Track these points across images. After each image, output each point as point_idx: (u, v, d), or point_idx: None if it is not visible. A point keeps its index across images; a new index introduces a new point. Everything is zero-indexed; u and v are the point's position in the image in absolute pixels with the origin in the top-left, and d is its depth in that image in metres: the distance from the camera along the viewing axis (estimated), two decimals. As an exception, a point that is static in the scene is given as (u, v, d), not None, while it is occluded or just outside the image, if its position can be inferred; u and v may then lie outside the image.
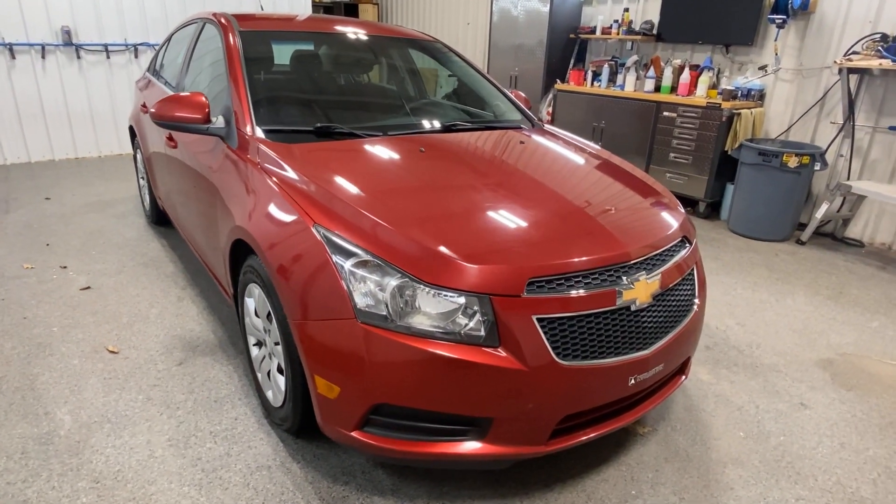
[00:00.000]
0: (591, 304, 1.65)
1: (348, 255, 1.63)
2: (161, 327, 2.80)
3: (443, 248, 1.60)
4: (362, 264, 1.61)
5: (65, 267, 3.44)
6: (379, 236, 1.65)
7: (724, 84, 4.84)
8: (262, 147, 2.12)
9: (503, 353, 1.57)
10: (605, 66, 5.52)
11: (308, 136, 2.27)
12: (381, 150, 2.21)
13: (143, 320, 2.86)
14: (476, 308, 1.57)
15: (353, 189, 1.85)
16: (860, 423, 2.31)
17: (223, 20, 2.83)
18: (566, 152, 2.50)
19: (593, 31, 5.77)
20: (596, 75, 5.62)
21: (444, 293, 1.57)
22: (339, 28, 3.03)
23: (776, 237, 4.38)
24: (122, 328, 2.77)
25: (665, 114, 4.95)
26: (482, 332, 1.57)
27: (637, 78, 5.27)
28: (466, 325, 1.57)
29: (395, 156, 2.17)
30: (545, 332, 1.59)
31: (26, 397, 2.24)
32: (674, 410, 2.33)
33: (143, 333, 2.73)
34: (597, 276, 1.69)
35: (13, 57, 5.65)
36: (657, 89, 5.16)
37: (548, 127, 2.93)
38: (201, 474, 1.90)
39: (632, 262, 1.76)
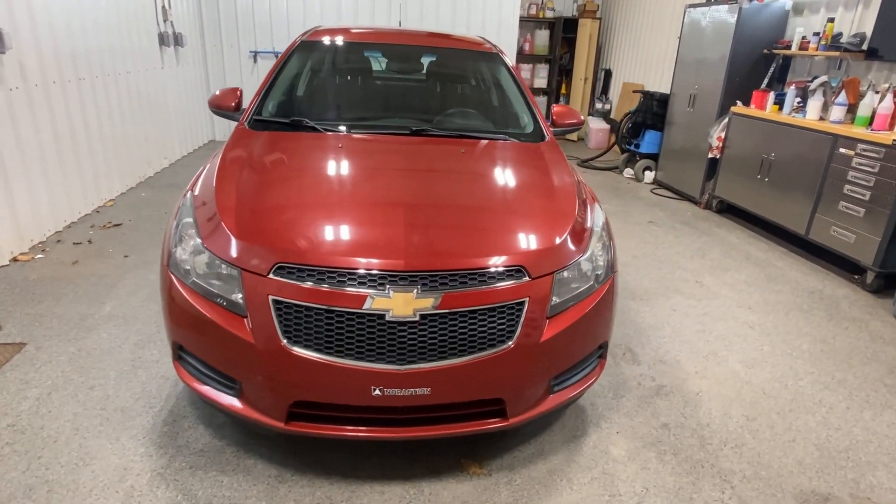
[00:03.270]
0: (334, 301, 1.68)
1: (187, 216, 2.00)
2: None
3: (224, 223, 1.85)
4: (190, 225, 1.96)
5: (215, 216, 4.58)
6: (206, 206, 1.98)
7: (945, 118, 3.52)
8: (233, 131, 2.63)
9: (246, 326, 1.74)
10: (792, 87, 4.52)
11: (282, 127, 2.67)
12: (310, 143, 2.48)
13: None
14: (237, 279, 1.78)
15: (238, 166, 2.20)
16: (766, 577, 1.67)
17: (309, 28, 3.45)
18: (501, 166, 2.38)
19: (791, 45, 4.75)
20: (782, 98, 4.64)
21: (217, 261, 1.82)
22: (391, 38, 3.35)
23: (954, 337, 3.05)
24: (198, 263, 3.65)
25: (840, 151, 3.84)
26: (239, 302, 1.77)
27: (825, 104, 4.19)
28: (229, 293, 1.79)
29: (314, 148, 2.43)
30: (278, 315, 1.71)
31: (105, 290, 3.22)
32: (531, 466, 2.05)
33: (205, 270, 3.55)
34: (354, 277, 1.70)
35: (255, 62, 7.53)
36: (852, 120, 4.03)
37: (549, 145, 2.74)
38: (114, 372, 2.48)
39: (403, 272, 1.70)
